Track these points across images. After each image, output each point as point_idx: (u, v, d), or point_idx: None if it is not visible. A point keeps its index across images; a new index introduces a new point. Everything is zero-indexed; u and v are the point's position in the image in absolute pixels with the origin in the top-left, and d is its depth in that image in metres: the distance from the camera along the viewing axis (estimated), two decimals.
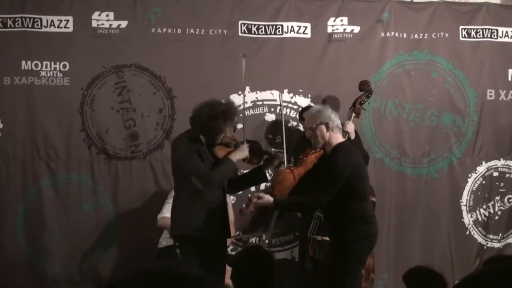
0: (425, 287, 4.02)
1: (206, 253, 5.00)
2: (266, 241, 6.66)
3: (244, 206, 5.33)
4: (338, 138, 5.04)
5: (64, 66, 6.37)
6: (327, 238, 5.85)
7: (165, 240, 6.13)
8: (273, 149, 5.94)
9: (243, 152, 5.15)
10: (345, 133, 5.78)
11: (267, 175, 5.53)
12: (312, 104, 6.53)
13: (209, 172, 5.02)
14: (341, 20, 6.78)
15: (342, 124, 5.75)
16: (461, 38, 6.96)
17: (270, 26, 6.69)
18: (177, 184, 5.24)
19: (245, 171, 5.64)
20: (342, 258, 4.95)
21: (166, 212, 6.06)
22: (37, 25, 6.32)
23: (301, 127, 6.54)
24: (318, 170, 5.15)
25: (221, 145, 5.15)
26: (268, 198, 5.07)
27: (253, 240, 6.62)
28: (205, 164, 5.04)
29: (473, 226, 7.03)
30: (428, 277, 4.12)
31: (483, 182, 7.06)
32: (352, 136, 5.93)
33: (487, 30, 6.98)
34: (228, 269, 4.35)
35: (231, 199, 6.52)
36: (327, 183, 4.89)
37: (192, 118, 5.14)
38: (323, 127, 4.98)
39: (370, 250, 5.14)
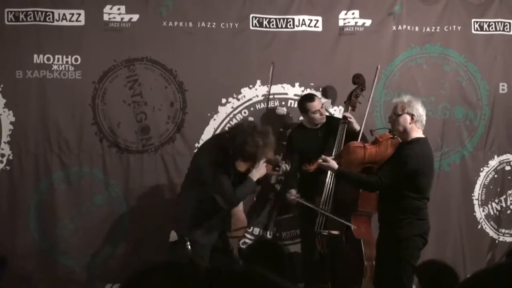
0: (437, 281, 4.02)
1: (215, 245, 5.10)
2: (277, 235, 6.66)
3: (307, 164, 5.42)
4: (418, 132, 5.10)
5: (76, 59, 6.39)
6: (334, 232, 5.85)
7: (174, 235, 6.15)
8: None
9: (261, 171, 5.30)
10: (344, 124, 6.00)
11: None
12: (314, 92, 6.53)
13: (233, 194, 5.14)
14: (353, 13, 6.76)
15: (339, 119, 5.83)
16: (473, 31, 6.92)
17: (282, 20, 6.68)
18: (190, 184, 5.29)
19: None
20: (398, 254, 5.01)
21: None
22: (49, 18, 6.34)
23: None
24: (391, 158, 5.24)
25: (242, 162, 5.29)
26: (334, 164, 5.24)
27: (262, 233, 6.63)
28: (229, 178, 5.13)
29: (485, 220, 7.01)
30: (440, 270, 4.12)
31: (495, 176, 7.03)
32: (357, 128, 6.07)
33: (499, 23, 6.94)
34: None
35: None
36: (392, 169, 5.02)
37: (232, 136, 5.16)
38: (408, 117, 5.06)
39: (423, 247, 5.17)
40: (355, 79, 6.26)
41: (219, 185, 5.14)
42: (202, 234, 5.22)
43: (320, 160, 5.30)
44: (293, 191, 6.06)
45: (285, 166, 5.52)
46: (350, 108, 6.19)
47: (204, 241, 5.18)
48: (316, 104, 6.17)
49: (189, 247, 5.19)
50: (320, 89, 6.62)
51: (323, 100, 6.46)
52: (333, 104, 6.72)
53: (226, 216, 5.47)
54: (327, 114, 6.39)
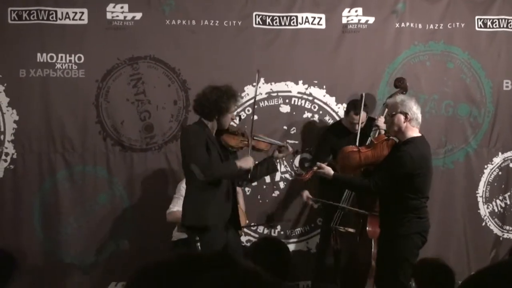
0: (432, 280, 4.01)
1: (222, 243, 5.04)
2: (282, 232, 6.67)
3: (304, 173, 5.50)
4: (414, 131, 5.04)
5: (79, 58, 6.39)
6: (350, 229, 5.87)
7: (179, 233, 6.14)
8: (288, 141, 5.94)
9: (247, 163, 5.18)
10: (376, 127, 5.78)
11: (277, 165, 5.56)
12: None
13: (210, 164, 5.03)
14: (356, 11, 6.75)
15: (374, 119, 5.74)
16: (477, 28, 6.91)
17: (285, 17, 6.67)
18: (187, 175, 5.24)
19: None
20: (396, 252, 4.98)
21: (173, 207, 6.08)
22: (52, 17, 6.34)
23: (315, 118, 6.52)
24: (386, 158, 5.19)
25: (228, 133, 5.20)
26: (329, 170, 5.17)
27: (267, 231, 6.63)
28: (212, 153, 5.05)
29: (489, 217, 7.00)
30: (434, 269, 4.11)
31: (500, 173, 7.02)
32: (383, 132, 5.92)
33: (503, 20, 6.93)
34: None
35: (244, 189, 6.54)
36: (387, 172, 4.96)
37: (196, 104, 5.17)
38: (402, 117, 4.99)
39: (422, 245, 5.13)
40: (397, 83, 6.18)
41: (195, 152, 5.04)
42: (210, 225, 5.15)
43: (315, 168, 5.25)
44: (306, 192, 6.12)
45: (290, 146, 5.49)
46: (386, 111, 6.08)
47: (213, 234, 5.13)
48: (358, 118, 6.10)
49: (199, 247, 5.16)
50: (324, 86, 6.56)
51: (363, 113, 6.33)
52: (339, 102, 6.72)
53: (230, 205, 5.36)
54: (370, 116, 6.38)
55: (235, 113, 5.26)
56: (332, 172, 5.17)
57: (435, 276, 4.04)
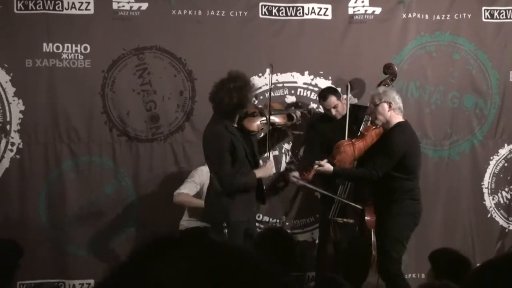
0: (452, 268, 4.03)
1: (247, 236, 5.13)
2: (287, 224, 6.68)
3: (304, 172, 5.66)
4: (398, 118, 5.39)
5: (85, 48, 6.39)
6: (349, 220, 5.91)
7: (186, 222, 6.15)
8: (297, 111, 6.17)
9: (267, 171, 5.37)
10: (368, 116, 5.84)
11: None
12: (331, 85, 6.53)
13: (230, 179, 5.08)
14: (362, 1, 6.73)
15: (366, 107, 5.79)
16: (483, 19, 6.88)
17: (291, 8, 6.66)
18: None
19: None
20: (389, 230, 5.28)
21: (183, 189, 6.09)
22: (58, 7, 6.33)
23: (321, 109, 6.51)
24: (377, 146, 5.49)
25: (247, 117, 5.31)
26: (329, 166, 5.46)
27: (272, 221, 6.64)
28: (238, 153, 5.10)
29: (495, 208, 6.99)
30: (455, 259, 4.13)
31: (505, 164, 7.01)
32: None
33: (510, 11, 6.90)
34: None
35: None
36: (383, 158, 5.27)
37: (216, 107, 5.18)
38: (386, 105, 5.36)
39: (414, 227, 5.44)
40: (386, 69, 6.24)
41: (216, 163, 5.13)
42: (234, 213, 5.20)
43: (315, 166, 5.49)
44: (296, 173, 6.11)
45: (297, 114, 5.65)
46: (370, 102, 6.10)
47: (238, 219, 5.17)
48: (328, 103, 6.19)
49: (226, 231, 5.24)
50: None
51: (345, 96, 6.38)
52: (344, 93, 6.71)
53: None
54: (355, 104, 6.41)
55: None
56: (331, 168, 5.45)
57: (453, 264, 4.07)
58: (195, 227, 5.93)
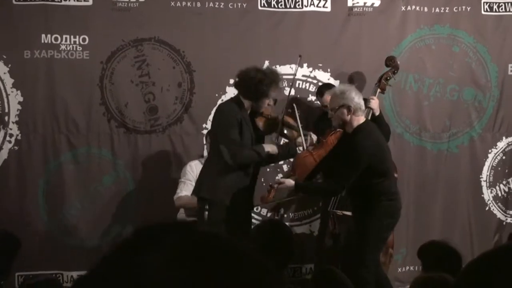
0: (440, 262, 4.02)
1: (232, 221, 5.10)
2: (285, 216, 6.69)
3: (266, 193, 5.40)
4: (359, 120, 5.06)
5: (84, 39, 6.38)
6: (347, 213, 5.89)
7: (181, 217, 6.17)
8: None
9: (274, 148, 5.34)
10: (369, 109, 5.72)
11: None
12: (332, 82, 6.52)
13: (240, 150, 5.12)
14: None
15: (366, 100, 5.71)
16: (483, 12, 6.87)
17: (290, 0, 6.64)
18: (215, 148, 5.30)
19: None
20: (363, 232, 5.04)
21: (180, 192, 6.10)
22: None
23: (318, 103, 6.51)
24: (337, 152, 5.22)
25: (261, 116, 5.31)
26: (290, 182, 5.20)
27: (270, 214, 6.64)
28: (244, 134, 5.13)
29: (493, 201, 7.00)
30: (443, 252, 4.12)
31: (504, 157, 7.01)
32: (377, 112, 5.83)
33: (509, 4, 6.89)
34: None
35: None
36: (348, 169, 4.96)
37: (238, 81, 5.31)
38: (345, 110, 5.00)
39: (393, 227, 5.21)
40: (388, 62, 6.15)
41: (226, 134, 5.16)
42: (222, 194, 5.22)
43: (275, 185, 5.23)
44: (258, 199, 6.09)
45: (313, 135, 5.62)
46: (379, 90, 6.02)
47: (220, 214, 5.18)
48: (325, 100, 6.11)
49: (206, 217, 5.24)
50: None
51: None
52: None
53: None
54: None
55: (271, 98, 5.40)
56: (293, 183, 5.17)
57: (442, 258, 4.06)
58: (182, 220, 5.96)
